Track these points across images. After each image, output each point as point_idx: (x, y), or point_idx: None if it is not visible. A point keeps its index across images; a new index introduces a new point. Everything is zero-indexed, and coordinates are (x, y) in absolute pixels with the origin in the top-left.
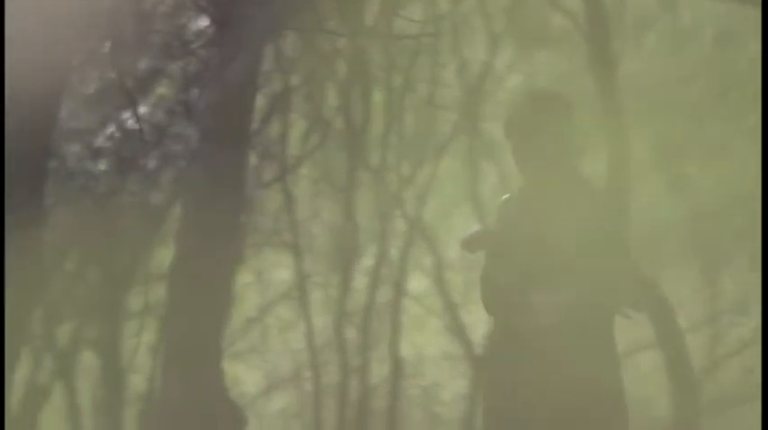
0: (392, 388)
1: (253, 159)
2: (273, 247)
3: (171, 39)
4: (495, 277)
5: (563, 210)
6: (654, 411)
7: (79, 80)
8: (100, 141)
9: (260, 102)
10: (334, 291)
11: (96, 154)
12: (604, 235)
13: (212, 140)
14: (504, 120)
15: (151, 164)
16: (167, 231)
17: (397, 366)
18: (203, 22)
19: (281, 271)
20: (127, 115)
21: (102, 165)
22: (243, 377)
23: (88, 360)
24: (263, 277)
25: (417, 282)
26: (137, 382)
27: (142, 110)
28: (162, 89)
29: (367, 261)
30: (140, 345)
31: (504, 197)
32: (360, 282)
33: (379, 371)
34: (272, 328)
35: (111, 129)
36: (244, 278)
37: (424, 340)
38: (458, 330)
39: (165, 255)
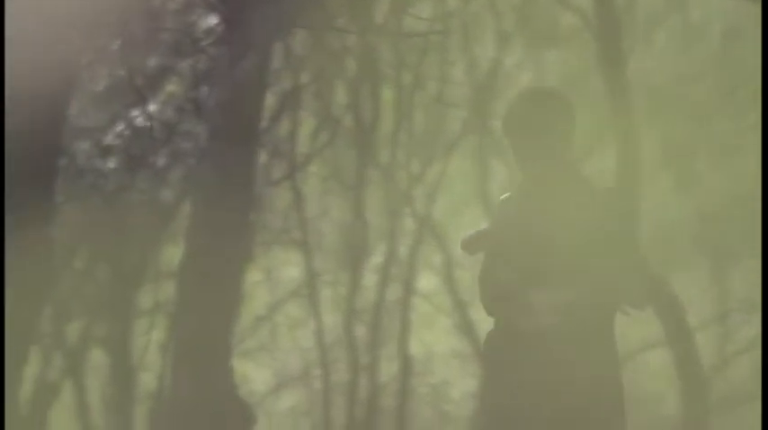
0: (401, 386)
1: (262, 157)
2: (283, 245)
3: (180, 36)
4: (495, 277)
5: (563, 208)
6: (663, 409)
7: (89, 78)
8: (109, 139)
9: (269, 99)
10: (343, 289)
11: (106, 151)
12: (605, 233)
13: (222, 138)
14: (501, 117)
15: (160, 161)
16: (177, 229)
17: (407, 364)
18: (213, 19)
19: (290, 269)
20: (136, 113)
21: (111, 163)
22: (252, 375)
23: (98, 358)
24: (272, 275)
25: (427, 280)
26: (146, 380)
27: (152, 107)
28: (171, 87)
29: (376, 259)
30: (150, 343)
31: (503, 196)
32: (369, 280)
33: (388, 369)
34: (281, 326)
35: (120, 126)
36: (253, 276)
37: (434, 338)
38: (467, 328)
39: (174, 253)
